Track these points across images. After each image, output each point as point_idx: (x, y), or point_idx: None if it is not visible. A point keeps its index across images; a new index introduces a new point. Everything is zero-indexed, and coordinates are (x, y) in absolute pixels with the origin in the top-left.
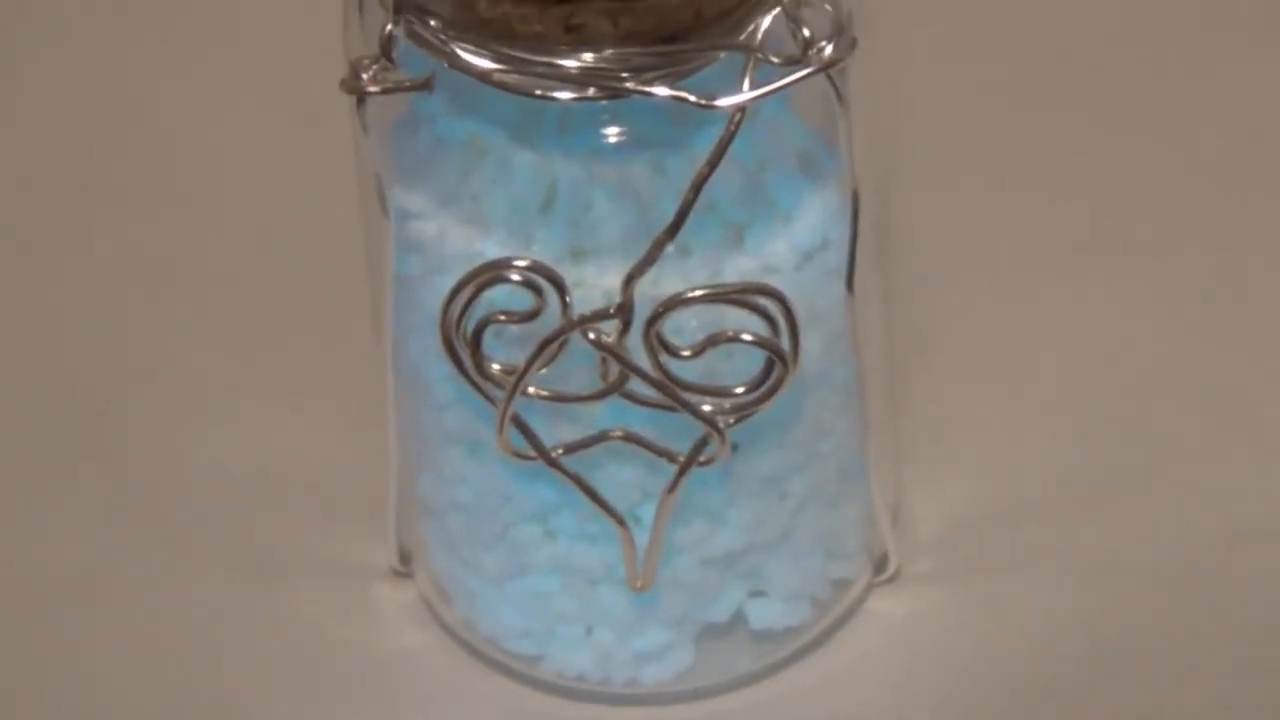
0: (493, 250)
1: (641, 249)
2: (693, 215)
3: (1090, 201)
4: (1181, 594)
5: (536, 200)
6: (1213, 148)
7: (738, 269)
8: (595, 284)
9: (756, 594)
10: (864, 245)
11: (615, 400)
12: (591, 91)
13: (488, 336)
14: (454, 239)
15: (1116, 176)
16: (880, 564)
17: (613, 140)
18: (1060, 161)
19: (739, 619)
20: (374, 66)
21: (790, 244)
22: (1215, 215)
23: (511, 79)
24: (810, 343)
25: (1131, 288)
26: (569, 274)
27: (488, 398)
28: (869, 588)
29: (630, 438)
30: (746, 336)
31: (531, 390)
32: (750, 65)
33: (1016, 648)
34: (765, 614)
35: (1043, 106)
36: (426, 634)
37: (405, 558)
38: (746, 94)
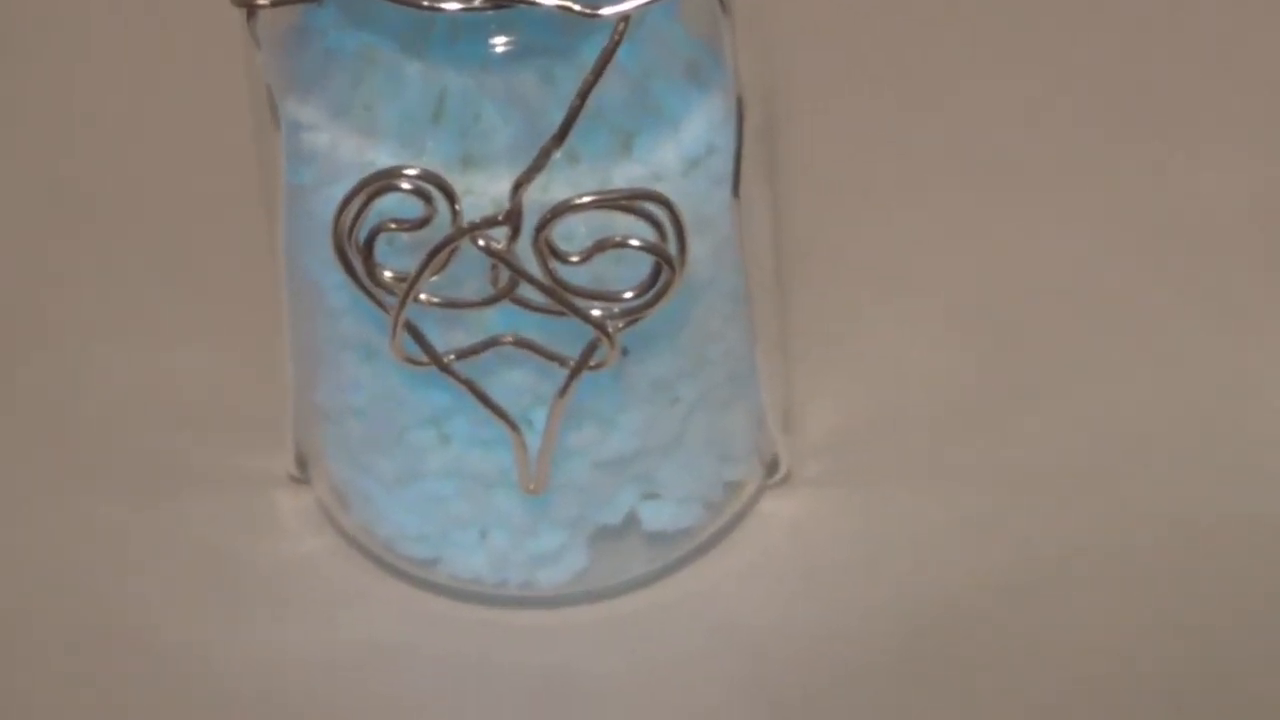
0: (384, 160)
1: (527, 158)
2: (581, 123)
3: (984, 115)
4: (1071, 503)
5: (427, 110)
6: (1112, 63)
7: (626, 176)
8: (485, 191)
9: (649, 496)
10: (750, 152)
11: (506, 306)
12: (478, 2)
13: (380, 244)
14: (346, 149)
15: (1009, 89)
16: (772, 467)
17: (501, 50)
18: (954, 73)
19: (632, 521)
20: None
21: (677, 151)
22: (1110, 130)
23: None
24: (698, 248)
25: (1024, 199)
26: (459, 182)
27: (380, 305)
28: (761, 490)
29: (521, 343)
30: (634, 242)
31: (423, 297)
32: None
33: (905, 551)
34: (658, 516)
35: (941, 13)
36: (325, 539)
37: (302, 464)
38: (630, 3)
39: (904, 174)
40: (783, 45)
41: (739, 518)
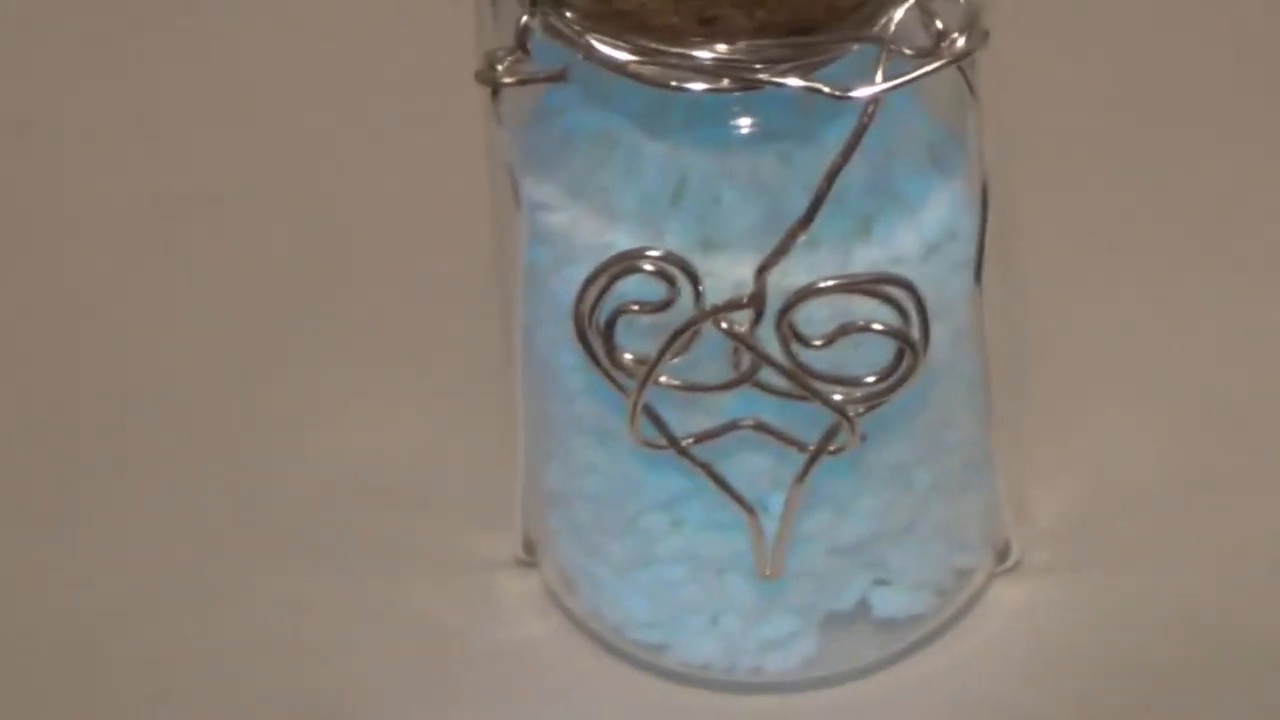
0: (623, 241)
1: (768, 240)
2: (822, 206)
3: (1218, 202)
4: None
5: (667, 192)
6: None
7: (864, 260)
8: (724, 275)
9: (881, 582)
10: (991, 239)
11: (745, 390)
12: (725, 83)
13: (620, 326)
14: (584, 230)
15: (1247, 178)
16: (1002, 554)
17: (743, 132)
18: (1188, 162)
19: (863, 607)
20: (509, 58)
21: (918, 235)
22: None
23: (646, 70)
24: (937, 334)
25: (1255, 288)
26: (699, 265)
27: (620, 388)
28: (991, 577)
29: (760, 427)
30: (878, 326)
31: (663, 380)
32: (883, 57)
33: (1133, 637)
34: (889, 602)
35: (1172, 104)
36: (551, 623)
37: (530, 547)
38: (881, 85)
39: (1140, 261)
40: (1018, 130)
41: (969, 605)
